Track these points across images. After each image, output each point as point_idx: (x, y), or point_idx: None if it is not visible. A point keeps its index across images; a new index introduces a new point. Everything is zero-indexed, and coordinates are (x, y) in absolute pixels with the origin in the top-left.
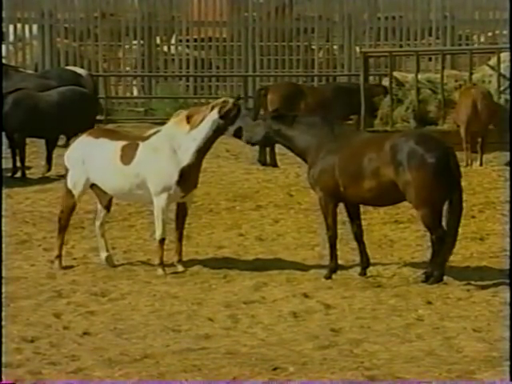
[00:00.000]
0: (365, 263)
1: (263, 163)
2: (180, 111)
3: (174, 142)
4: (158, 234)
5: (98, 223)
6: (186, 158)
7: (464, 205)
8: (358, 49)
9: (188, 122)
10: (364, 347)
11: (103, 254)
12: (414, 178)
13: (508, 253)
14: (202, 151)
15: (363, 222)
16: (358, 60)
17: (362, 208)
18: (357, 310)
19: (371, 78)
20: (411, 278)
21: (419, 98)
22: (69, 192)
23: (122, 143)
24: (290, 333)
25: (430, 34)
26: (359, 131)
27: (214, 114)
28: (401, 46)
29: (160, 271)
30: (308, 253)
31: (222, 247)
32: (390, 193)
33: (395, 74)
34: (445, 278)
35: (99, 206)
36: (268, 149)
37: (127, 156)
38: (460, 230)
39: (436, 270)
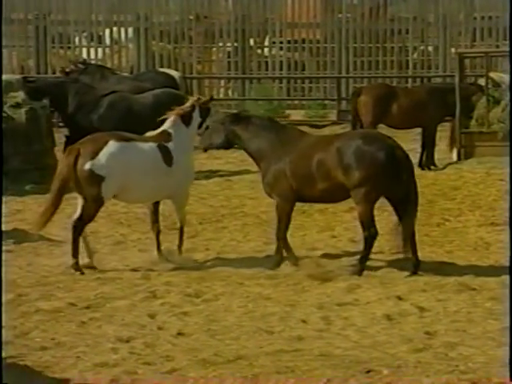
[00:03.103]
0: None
1: None
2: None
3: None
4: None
5: None
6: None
7: None
8: (453, 49)
9: (181, 121)
10: (459, 350)
11: None
12: (361, 176)
13: None
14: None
15: (458, 225)
16: (454, 61)
17: (457, 210)
18: (452, 313)
19: (467, 78)
20: (507, 280)
21: None
22: (98, 200)
23: (151, 145)
24: (383, 335)
25: None
26: (307, 134)
27: (197, 112)
28: (497, 47)
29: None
30: (402, 255)
31: (314, 249)
32: (342, 191)
33: (491, 74)
34: None
35: None
36: None
37: (167, 159)
38: None
39: (360, 263)
